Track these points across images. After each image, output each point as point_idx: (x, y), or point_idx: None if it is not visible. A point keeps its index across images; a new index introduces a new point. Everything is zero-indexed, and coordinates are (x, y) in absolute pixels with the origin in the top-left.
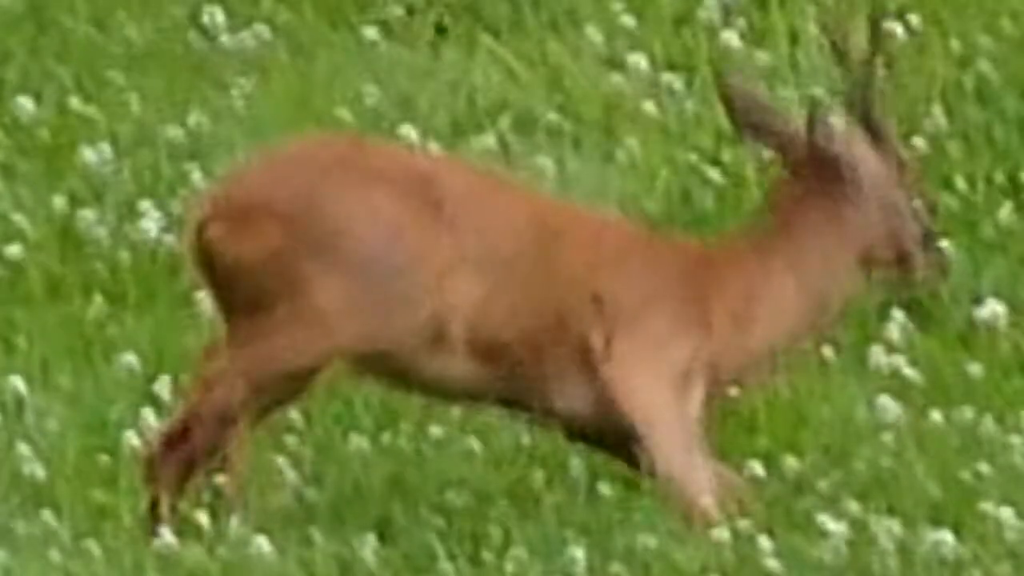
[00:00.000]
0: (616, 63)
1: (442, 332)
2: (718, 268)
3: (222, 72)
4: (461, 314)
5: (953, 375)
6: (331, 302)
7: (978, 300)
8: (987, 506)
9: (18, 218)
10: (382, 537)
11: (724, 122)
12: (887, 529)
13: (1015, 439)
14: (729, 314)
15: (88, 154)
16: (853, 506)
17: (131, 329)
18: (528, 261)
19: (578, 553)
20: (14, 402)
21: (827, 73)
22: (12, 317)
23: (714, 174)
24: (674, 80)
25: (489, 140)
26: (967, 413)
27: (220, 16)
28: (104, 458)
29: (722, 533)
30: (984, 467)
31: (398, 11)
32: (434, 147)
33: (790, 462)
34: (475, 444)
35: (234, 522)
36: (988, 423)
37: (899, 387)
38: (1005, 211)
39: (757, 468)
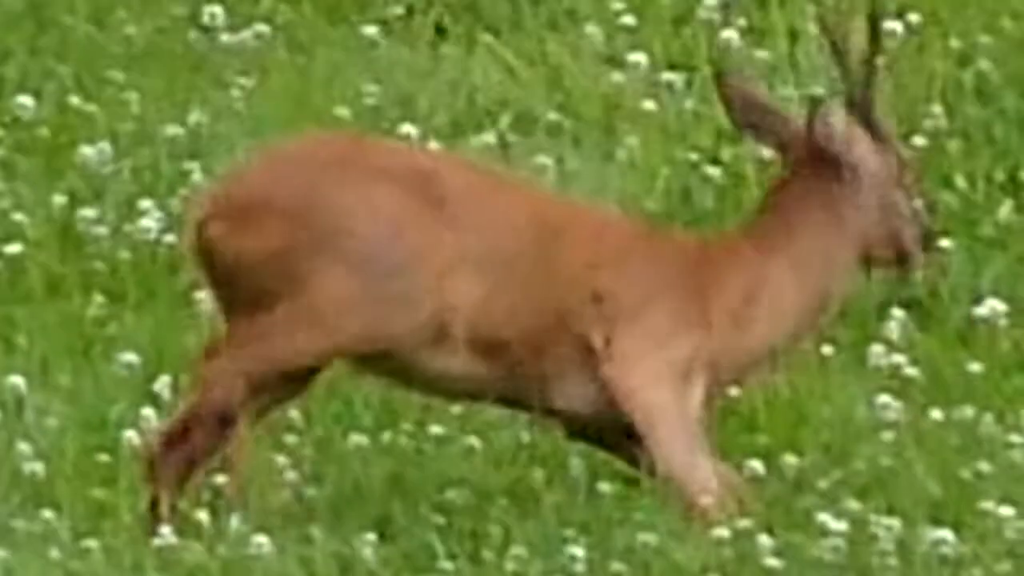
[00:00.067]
0: (616, 62)
1: (443, 330)
2: (718, 267)
3: (222, 71)
4: (462, 312)
5: (953, 373)
6: (332, 301)
7: (978, 298)
8: (987, 504)
9: (18, 216)
10: (382, 536)
11: (724, 121)
12: (887, 528)
13: (1015, 437)
14: (729, 313)
15: (88, 152)
16: (853, 505)
17: (131, 328)
18: (529, 259)
19: (578, 552)
20: (14, 400)
21: (827, 72)
22: (12, 315)
23: (714, 173)
24: (674, 79)
25: (489, 139)
26: (967, 411)
27: (220, 15)
28: (104, 457)
29: (722, 532)
30: (984, 465)
31: (398, 10)
32: (434, 146)
33: (790, 461)
34: (475, 443)
35: (234, 521)
36: (988, 421)
37: (899, 386)
38: (1005, 209)
39: (757, 467)
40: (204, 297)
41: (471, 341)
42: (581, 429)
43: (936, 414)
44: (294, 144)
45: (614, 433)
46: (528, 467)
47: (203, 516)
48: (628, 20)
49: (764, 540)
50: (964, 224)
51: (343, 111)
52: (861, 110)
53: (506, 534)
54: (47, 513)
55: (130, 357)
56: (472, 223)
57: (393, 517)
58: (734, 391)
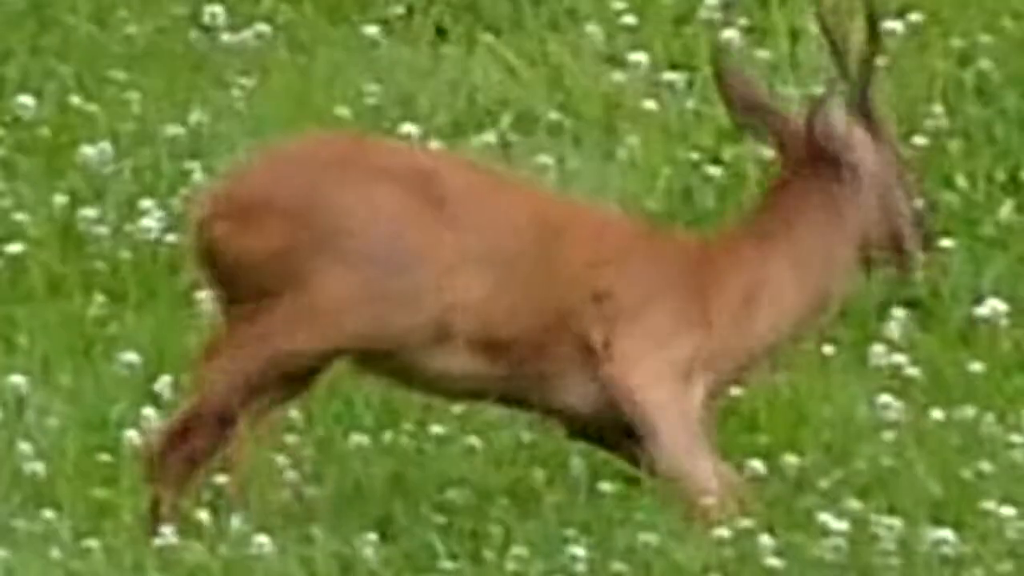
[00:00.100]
0: (617, 61)
1: (444, 330)
2: (718, 265)
3: (223, 70)
4: (463, 312)
5: (954, 373)
6: (333, 300)
7: (979, 298)
8: (988, 504)
9: (19, 216)
10: (383, 535)
11: (725, 121)
12: (888, 527)
13: (1016, 437)
14: (730, 312)
15: (89, 152)
16: (854, 504)
17: (132, 327)
18: (529, 259)
19: (579, 551)
20: (15, 400)
21: (828, 71)
22: (13, 315)
23: (715, 172)
24: (675, 78)
25: (490, 139)
26: (968, 411)
27: (221, 14)
28: (105, 456)
29: (723, 531)
30: (985, 465)
31: (399, 10)
32: (435, 145)
33: (791, 460)
34: (476, 442)
35: (235, 521)
36: (989, 421)
37: (900, 385)
38: (1006, 209)
39: (758, 466)
40: (205, 297)
41: (472, 341)
42: (582, 429)
43: (937, 414)
44: (295, 144)
45: (614, 432)
46: (529, 467)
47: (204, 516)
48: (629, 20)
49: (765, 540)
50: (965, 224)
51: (344, 111)
52: (860, 108)
53: (507, 534)
54: (48, 513)
55: (131, 357)
56: (473, 223)
57: (394, 517)
58: (735, 391)
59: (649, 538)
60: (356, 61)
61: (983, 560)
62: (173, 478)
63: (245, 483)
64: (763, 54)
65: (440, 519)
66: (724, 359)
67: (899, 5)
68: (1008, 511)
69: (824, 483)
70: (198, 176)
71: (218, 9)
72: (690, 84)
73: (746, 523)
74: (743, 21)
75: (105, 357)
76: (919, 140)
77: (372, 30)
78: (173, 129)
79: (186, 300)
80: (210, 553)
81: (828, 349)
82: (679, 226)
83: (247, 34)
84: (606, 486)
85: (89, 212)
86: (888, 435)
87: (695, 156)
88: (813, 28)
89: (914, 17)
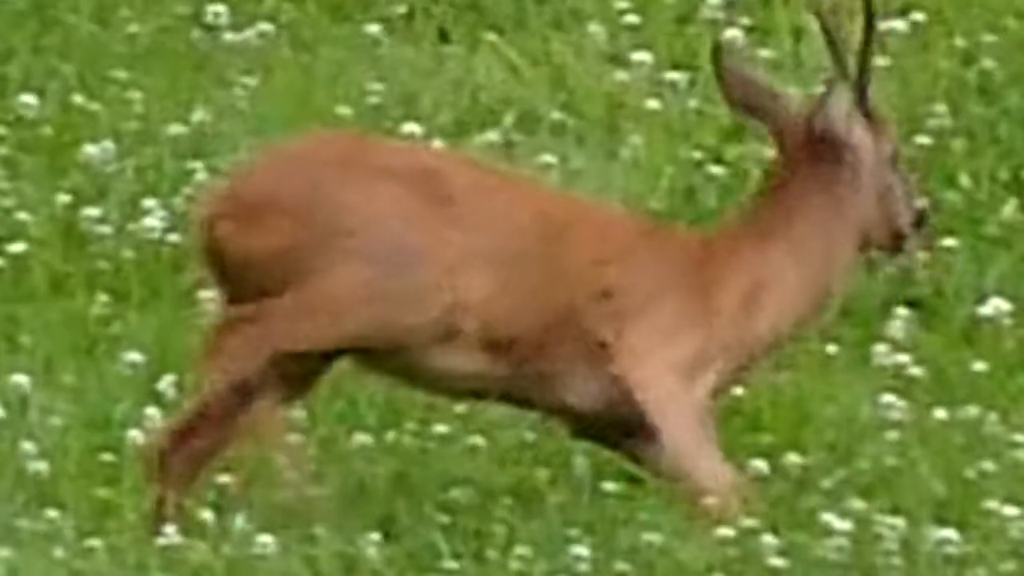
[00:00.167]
0: (620, 61)
1: (450, 329)
2: (722, 258)
3: (225, 69)
4: (468, 311)
5: (957, 372)
6: (336, 299)
7: (982, 297)
8: (991, 504)
9: (22, 215)
10: (386, 535)
11: (728, 120)
12: (891, 527)
13: (1019, 436)
14: (735, 303)
15: (92, 151)
16: (857, 504)
17: (135, 326)
18: (535, 257)
19: (582, 551)
20: (18, 399)
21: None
22: (16, 314)
23: (718, 171)
24: (678, 78)
25: (493, 138)
26: (971, 410)
27: (223, 13)
28: (108, 456)
29: (726, 531)
30: (988, 464)
31: (401, 9)
32: (438, 144)
33: (794, 460)
34: (479, 442)
35: (238, 520)
36: (992, 421)
37: (903, 385)
38: (1009, 208)
39: (761, 466)
40: (208, 296)
41: (477, 339)
42: (585, 428)
43: (940, 413)
44: (298, 143)
45: (617, 431)
46: (532, 466)
47: (207, 515)
48: (632, 19)
49: (768, 539)
50: (968, 223)
51: (346, 110)
52: (860, 107)
53: (510, 533)
54: (51, 512)
55: (134, 356)
56: (477, 222)
57: (397, 516)
58: (738, 390)
59: (652, 538)
60: (359, 60)
61: (986, 560)
62: (176, 477)
63: (248, 482)
64: (766, 53)
65: (443, 518)
66: (732, 350)
67: (902, 4)
68: (1011, 511)
69: (827, 483)
70: (201, 175)
71: (220, 8)
72: (693, 83)
73: (749, 523)
74: (745, 20)
75: (108, 356)
76: (922, 140)
77: (374, 29)
78: (176, 128)
79: (189, 299)
80: (213, 552)
81: (831, 348)
82: (681, 223)
83: (249, 33)
84: (609, 486)
85: (92, 211)
86: (891, 435)
87: (698, 155)
88: (815, 27)
89: (917, 16)
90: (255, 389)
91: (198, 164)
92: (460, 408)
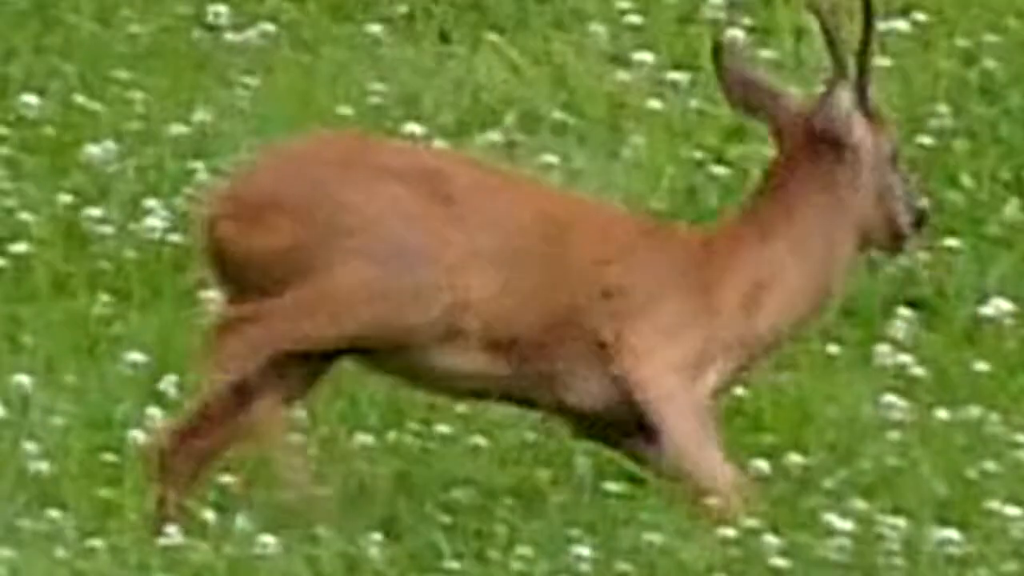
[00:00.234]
0: (621, 61)
1: (452, 328)
2: (724, 256)
3: (227, 69)
4: (471, 310)
5: (959, 372)
6: (338, 298)
7: (984, 297)
8: (993, 504)
9: (23, 215)
10: (388, 535)
11: (729, 119)
12: (893, 527)
13: (1021, 436)
14: (737, 301)
15: (93, 151)
16: (859, 504)
17: (136, 326)
18: (537, 256)
19: (584, 551)
20: (19, 399)
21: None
22: (17, 314)
23: (719, 171)
24: (679, 78)
25: (495, 137)
26: (973, 411)
27: (225, 13)
28: (110, 456)
29: (728, 531)
30: (990, 465)
31: (403, 8)
32: (439, 144)
33: (796, 460)
34: (481, 442)
35: (240, 520)
36: (994, 421)
37: (905, 385)
38: (1011, 208)
39: (763, 466)
40: (210, 296)
41: (479, 339)
42: (587, 427)
43: (942, 413)
44: (300, 143)
45: (619, 431)
46: (534, 466)
47: (209, 515)
48: (633, 19)
49: (770, 540)
50: (970, 223)
51: (348, 110)
52: (856, 93)
53: (512, 533)
54: (53, 512)
55: (136, 356)
56: (479, 221)
57: (399, 516)
58: (739, 390)
59: (654, 538)
60: (360, 60)
61: (988, 560)
62: (178, 477)
63: (250, 482)
64: (767, 53)
65: (445, 518)
66: (729, 354)
67: (903, 4)
68: (1013, 511)
69: (829, 483)
70: (202, 175)
71: (222, 8)
72: (694, 83)
73: (751, 523)
74: (747, 20)
75: (110, 356)
76: (924, 140)
77: (376, 29)
78: (177, 128)
79: (191, 299)
80: (215, 552)
81: (833, 349)
82: (682, 223)
83: (251, 33)
84: (611, 486)
85: (93, 211)
86: (893, 435)
87: (699, 155)
88: (816, 27)
89: (918, 16)
90: (256, 389)
91: (199, 164)
92: (462, 408)
